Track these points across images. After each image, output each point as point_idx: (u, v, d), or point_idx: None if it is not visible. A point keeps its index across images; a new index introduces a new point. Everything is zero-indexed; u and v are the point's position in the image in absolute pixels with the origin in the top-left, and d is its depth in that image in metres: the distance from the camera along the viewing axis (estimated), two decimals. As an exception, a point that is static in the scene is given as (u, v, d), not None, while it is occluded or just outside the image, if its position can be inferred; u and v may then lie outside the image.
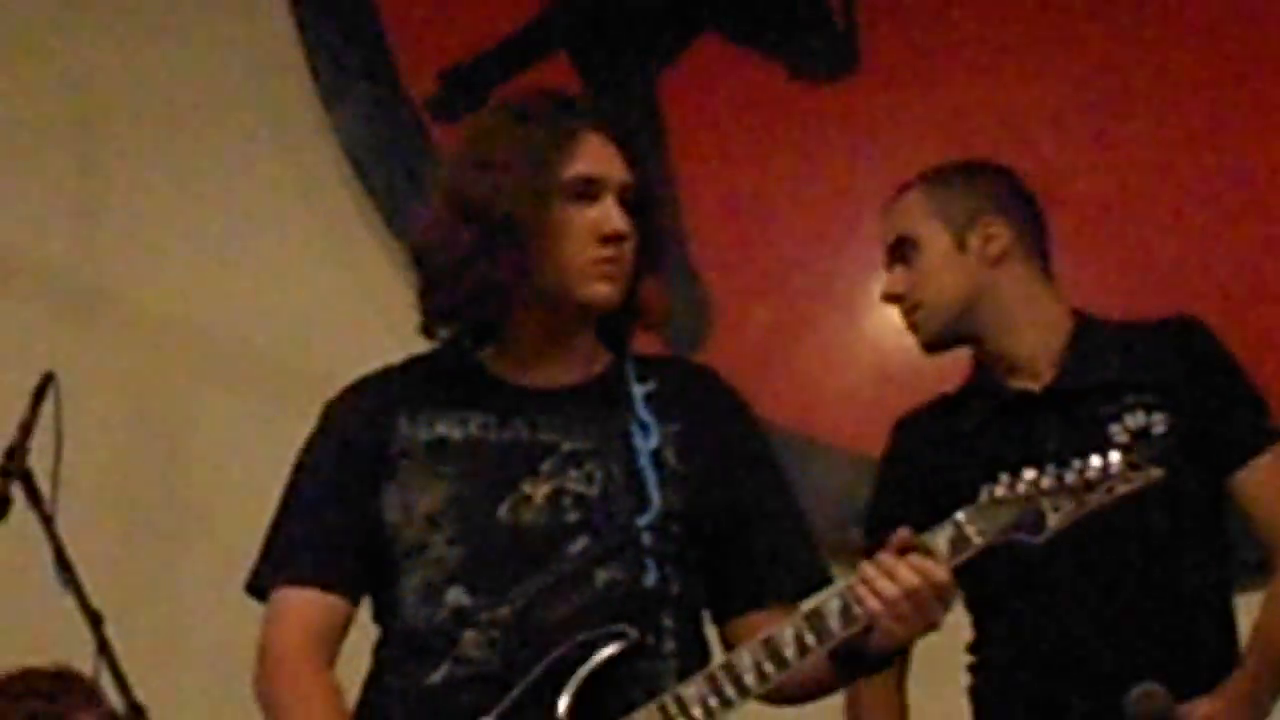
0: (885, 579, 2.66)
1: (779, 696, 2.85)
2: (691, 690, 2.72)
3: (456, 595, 2.81)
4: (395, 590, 2.88)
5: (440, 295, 2.89)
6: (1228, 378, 3.42)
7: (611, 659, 2.75)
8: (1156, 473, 2.81)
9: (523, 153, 2.88)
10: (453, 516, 2.84)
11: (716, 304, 4.89)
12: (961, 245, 3.45)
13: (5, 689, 4.28)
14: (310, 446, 3.00)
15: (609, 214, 2.87)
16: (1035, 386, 3.41)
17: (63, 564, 3.27)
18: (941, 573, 2.67)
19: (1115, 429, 3.25)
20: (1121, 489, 2.77)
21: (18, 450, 3.30)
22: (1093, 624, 3.28)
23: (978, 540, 2.72)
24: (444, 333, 2.96)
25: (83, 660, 3.31)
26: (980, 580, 3.22)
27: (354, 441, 2.94)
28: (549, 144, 2.89)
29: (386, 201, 5.01)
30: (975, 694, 3.50)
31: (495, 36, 5.09)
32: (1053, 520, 2.73)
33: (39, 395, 3.39)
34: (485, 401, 2.92)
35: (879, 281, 4.68)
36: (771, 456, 3.06)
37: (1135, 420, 3.28)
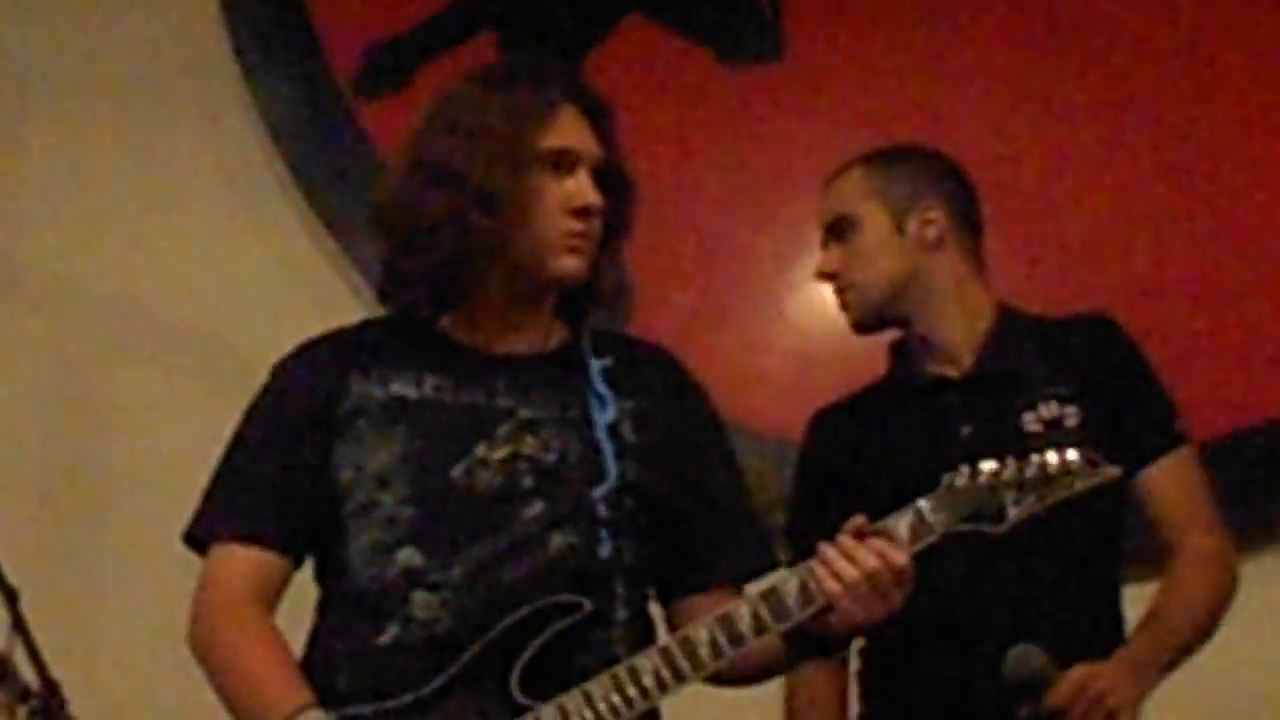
0: (845, 561, 2.67)
1: (730, 676, 2.86)
2: (646, 662, 2.72)
3: (407, 555, 2.79)
4: (343, 550, 2.85)
5: (408, 261, 2.88)
6: (1140, 378, 3.45)
7: (564, 626, 2.74)
8: (1114, 470, 2.84)
9: (500, 120, 2.87)
10: (405, 476, 2.83)
11: (637, 288, 4.85)
12: (900, 228, 3.45)
13: None
14: (258, 402, 2.98)
15: (582, 187, 2.88)
16: (954, 373, 3.43)
17: None
18: (901, 557, 2.68)
19: (1029, 418, 3.26)
20: (1080, 484, 2.80)
21: None
22: (987, 603, 3.30)
23: (938, 527, 2.74)
24: (404, 298, 2.93)
25: None
26: None
27: (304, 398, 2.92)
28: (527, 113, 2.88)
29: (309, 179, 5.01)
30: (862, 676, 3.51)
31: (421, 15, 5.09)
32: (1013, 512, 2.76)
33: None
34: (442, 364, 2.91)
35: (802, 267, 4.74)
36: (726, 441, 3.07)
37: (1049, 411, 3.29)
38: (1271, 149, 4.78)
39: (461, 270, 2.86)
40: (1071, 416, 3.31)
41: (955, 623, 3.31)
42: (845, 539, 2.69)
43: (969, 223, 3.52)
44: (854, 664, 3.53)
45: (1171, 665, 3.30)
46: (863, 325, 3.50)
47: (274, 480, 2.89)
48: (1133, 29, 4.87)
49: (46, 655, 3.21)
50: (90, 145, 5.20)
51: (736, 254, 4.92)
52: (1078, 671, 3.12)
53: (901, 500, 2.81)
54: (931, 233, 3.45)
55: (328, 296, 4.89)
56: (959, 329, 3.45)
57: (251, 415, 2.96)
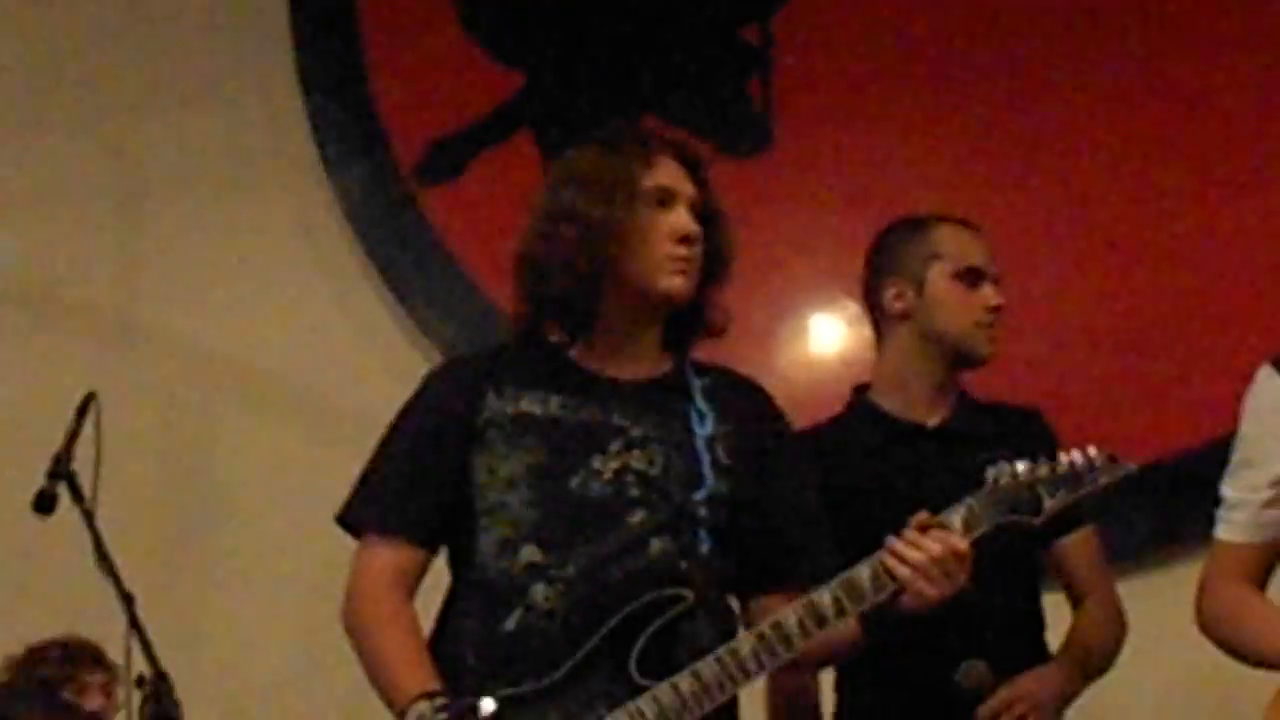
0: (913, 549, 2.68)
1: (814, 658, 2.93)
2: (744, 645, 2.69)
3: (530, 551, 2.78)
4: (473, 543, 2.85)
5: (548, 290, 2.88)
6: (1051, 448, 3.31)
7: (669, 616, 2.73)
8: (1132, 467, 2.87)
9: (611, 168, 2.90)
10: (531, 482, 2.82)
11: None
12: None
13: (23, 661, 4.28)
14: (408, 409, 2.98)
15: (682, 218, 2.89)
16: (929, 422, 3.38)
17: (100, 553, 3.22)
18: (962, 542, 2.70)
19: (990, 471, 3.10)
20: (1104, 479, 2.83)
21: (63, 456, 3.24)
22: (944, 623, 3.09)
23: (986, 520, 2.76)
24: (544, 323, 2.94)
25: (118, 636, 3.25)
26: None
27: (447, 409, 2.91)
28: (633, 161, 2.91)
29: (379, 253, 5.01)
30: (838, 680, 3.44)
31: (472, 117, 5.09)
32: (1049, 504, 2.80)
33: (82, 410, 3.33)
34: (565, 385, 2.89)
35: (785, 319, 4.84)
36: (802, 461, 3.06)
37: (1001, 469, 3.13)
38: (1154, 229, 4.71)
39: (591, 293, 2.87)
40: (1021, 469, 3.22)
41: (918, 638, 3.10)
42: (911, 532, 2.70)
43: None
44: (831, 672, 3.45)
45: (1084, 684, 3.32)
46: (982, 361, 3.45)
47: (417, 480, 2.89)
48: (1061, 137, 4.82)
49: (158, 652, 3.23)
50: (197, 224, 5.20)
51: (736, 304, 4.84)
52: (1005, 690, 3.16)
53: (884, 507, 2.86)
54: None
55: (393, 349, 4.89)
56: (948, 393, 3.45)
57: (402, 418, 2.96)
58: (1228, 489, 2.93)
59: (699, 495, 2.82)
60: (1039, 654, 3.40)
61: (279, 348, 4.99)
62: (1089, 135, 4.81)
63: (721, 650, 2.69)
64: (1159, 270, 4.70)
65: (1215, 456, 4.41)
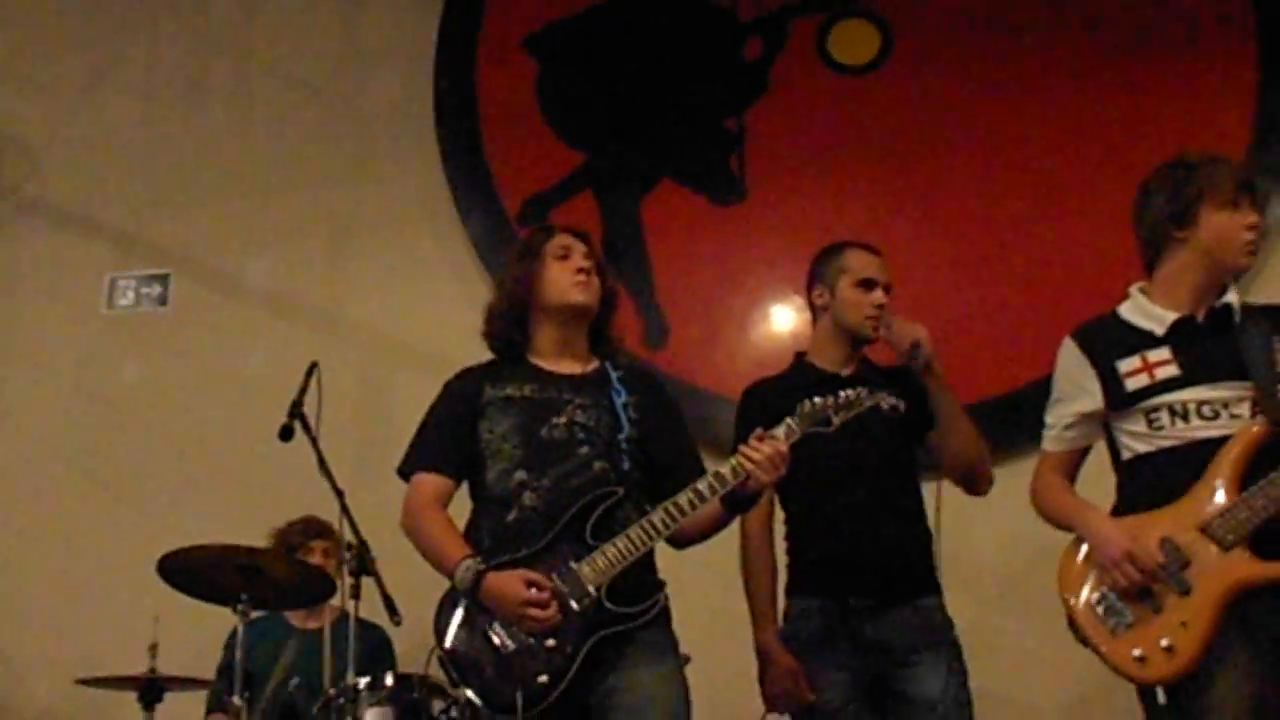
0: (755, 451, 2.77)
1: (690, 535, 2.95)
2: (655, 515, 2.81)
3: (520, 474, 2.92)
4: (483, 474, 2.98)
5: (495, 327, 3.09)
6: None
7: (608, 504, 2.85)
8: (883, 395, 2.97)
9: (528, 245, 3.10)
10: (517, 433, 2.96)
11: (671, 323, 4.88)
12: None
13: (279, 532, 4.28)
14: (440, 398, 3.11)
15: (578, 260, 3.04)
16: (842, 373, 3.35)
17: (322, 465, 3.31)
18: (783, 445, 2.79)
19: (883, 405, 3.17)
20: (868, 402, 2.90)
21: (298, 403, 3.31)
22: (857, 503, 3.24)
23: (798, 430, 2.83)
24: (496, 341, 3.10)
25: (333, 518, 3.35)
26: (793, 483, 3.26)
27: (462, 396, 3.06)
28: (541, 237, 3.10)
29: (494, 271, 4.76)
30: (789, 554, 3.37)
31: (550, 181, 5.09)
32: (836, 420, 2.85)
33: (309, 374, 3.40)
34: (531, 377, 3.03)
35: (759, 317, 4.82)
36: (681, 415, 3.14)
37: (889, 402, 3.24)
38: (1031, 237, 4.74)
39: (517, 320, 3.04)
40: (901, 406, 3.28)
41: (838, 500, 3.25)
42: (753, 440, 2.80)
43: None
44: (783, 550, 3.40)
45: (950, 409, 3.24)
46: (877, 339, 3.36)
47: (444, 438, 3.03)
48: (940, 194, 4.82)
49: (361, 528, 3.30)
50: (378, 253, 5.21)
51: (722, 306, 4.88)
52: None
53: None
54: None
55: None
56: (856, 354, 3.43)
57: (434, 404, 3.12)
58: (1047, 416, 2.98)
59: (621, 435, 2.94)
60: (921, 510, 3.33)
61: (430, 330, 4.95)
62: (958, 186, 4.81)
63: (642, 520, 2.81)
64: (1000, 275, 4.71)
65: (1030, 393, 4.54)
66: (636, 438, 2.96)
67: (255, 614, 3.77)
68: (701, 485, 2.81)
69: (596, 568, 2.79)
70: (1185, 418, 2.72)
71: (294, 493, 3.83)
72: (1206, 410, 2.71)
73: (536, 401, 2.97)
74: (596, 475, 2.90)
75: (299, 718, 3.59)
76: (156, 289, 5.35)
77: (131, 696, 3.83)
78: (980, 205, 4.80)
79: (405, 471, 3.04)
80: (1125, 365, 2.81)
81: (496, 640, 2.77)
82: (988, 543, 4.25)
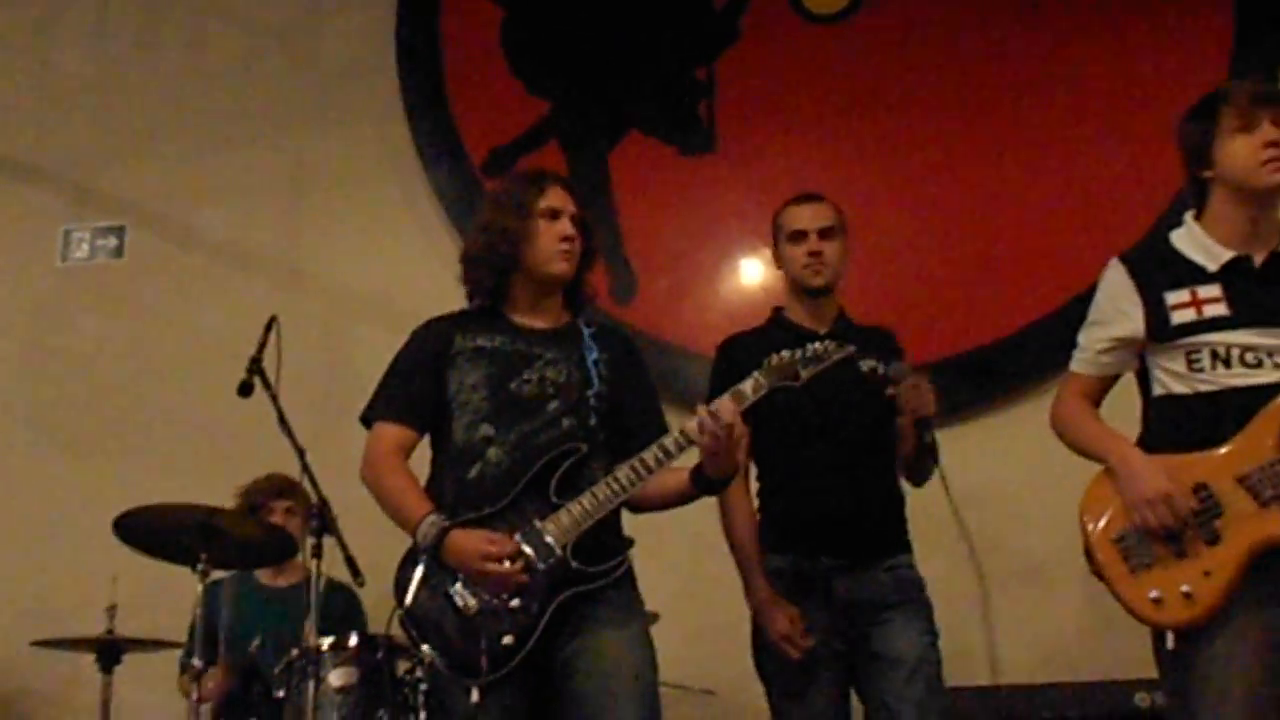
0: (707, 420, 2.69)
1: (649, 502, 2.90)
2: (620, 472, 2.77)
3: (486, 429, 2.85)
4: (449, 426, 2.89)
5: (474, 274, 2.97)
6: (901, 357, 3.32)
7: (573, 461, 2.80)
8: (850, 347, 2.90)
9: (516, 195, 2.97)
10: (486, 386, 2.88)
11: (640, 277, 4.85)
12: (844, 247, 3.39)
13: (244, 490, 4.24)
14: (407, 345, 3.02)
15: (565, 227, 2.94)
16: (820, 329, 3.31)
17: (282, 422, 3.27)
18: (726, 416, 2.68)
19: (862, 365, 3.21)
20: (836, 356, 2.84)
21: (257, 358, 3.27)
22: (828, 461, 3.22)
23: (765, 384, 2.78)
24: (474, 295, 3.00)
25: (294, 474, 3.34)
26: (765, 439, 3.24)
27: (429, 346, 2.97)
28: (530, 189, 2.97)
29: (460, 221, 4.94)
30: (760, 510, 3.34)
31: (516, 130, 5.05)
32: (804, 374, 2.81)
33: (268, 328, 3.36)
34: (503, 330, 2.95)
35: (728, 270, 4.78)
36: (648, 373, 3.09)
37: (869, 364, 3.24)
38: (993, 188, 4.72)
39: (499, 276, 2.94)
40: (880, 368, 3.24)
41: (809, 458, 3.23)
42: (702, 410, 2.72)
43: None
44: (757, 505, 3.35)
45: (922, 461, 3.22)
46: (822, 289, 3.34)
47: (409, 388, 2.94)
48: (909, 140, 4.81)
49: (322, 486, 3.25)
50: (339, 203, 5.17)
51: (691, 259, 4.86)
52: (917, 375, 3.13)
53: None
54: (846, 257, 3.40)
55: None
56: (829, 309, 3.38)
57: (401, 351, 3.01)
58: (1081, 338, 2.87)
59: (590, 392, 2.89)
60: (894, 472, 3.31)
61: (394, 283, 4.95)
62: (928, 139, 4.80)
63: (607, 477, 2.77)
64: (971, 228, 4.70)
65: (999, 351, 4.58)
66: (605, 395, 2.91)
67: (219, 574, 3.77)
68: (668, 441, 2.77)
69: (561, 525, 2.74)
70: (1227, 363, 2.64)
71: (255, 449, 3.75)
72: (1250, 357, 2.63)
73: (507, 354, 2.91)
74: (564, 432, 2.85)
75: (262, 678, 3.54)
76: (112, 241, 5.29)
77: (90, 658, 3.79)
78: (952, 157, 4.78)
79: (367, 419, 2.97)
80: (1173, 297, 2.71)
81: (459, 601, 2.72)
82: (960, 501, 4.15)
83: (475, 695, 2.65)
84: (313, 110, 5.25)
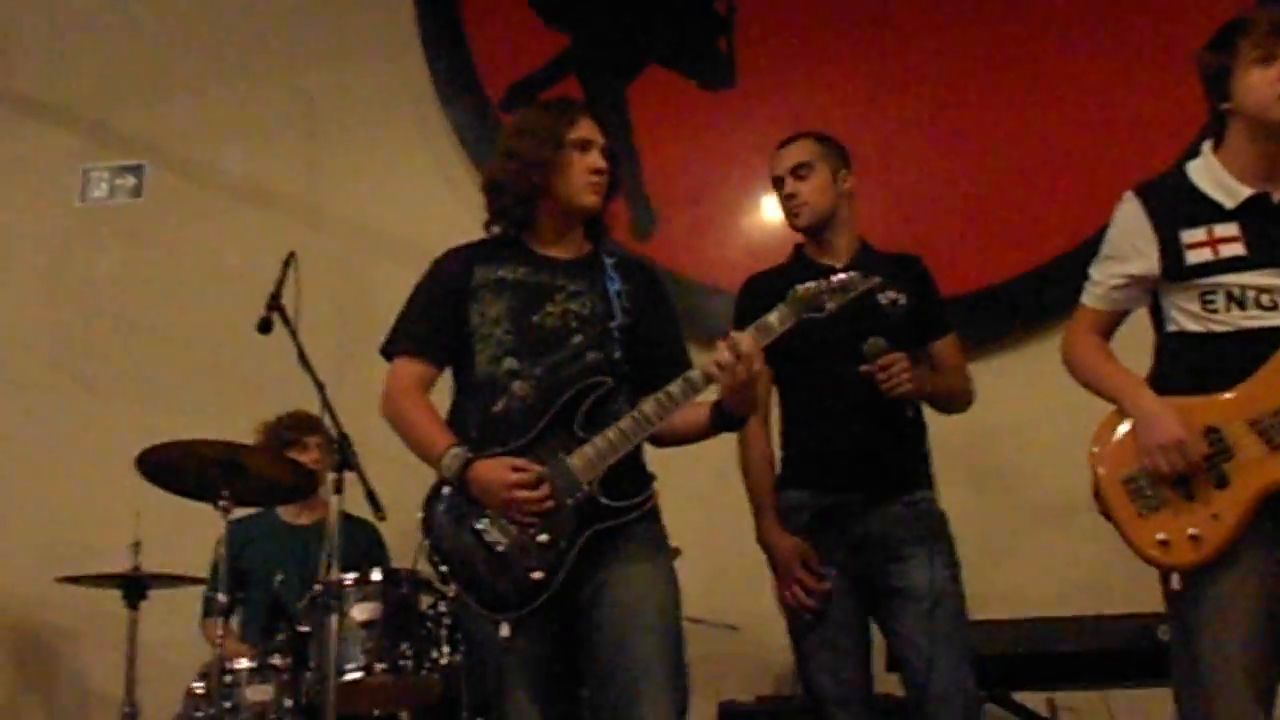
0: (723, 355, 2.63)
1: (672, 436, 2.84)
2: (645, 405, 2.71)
3: (510, 362, 2.79)
4: (471, 359, 2.84)
5: (500, 202, 2.91)
6: (933, 292, 3.32)
7: (598, 395, 2.76)
8: (875, 278, 2.80)
9: (547, 123, 2.89)
10: (508, 319, 2.82)
11: (660, 213, 4.82)
12: (834, 179, 3.33)
13: (268, 427, 4.32)
14: (426, 277, 2.96)
15: (596, 159, 2.89)
16: (837, 264, 3.25)
17: (302, 358, 3.28)
18: (745, 348, 2.62)
19: (881, 297, 3.17)
20: (861, 287, 2.75)
21: (276, 294, 3.28)
22: (845, 395, 3.18)
23: (790, 317, 2.70)
24: (496, 227, 2.95)
25: (314, 409, 3.34)
26: (786, 374, 3.22)
27: (448, 277, 2.91)
28: (561, 118, 2.90)
29: (478, 158, 4.94)
30: (782, 446, 3.31)
31: (534, 65, 5.02)
32: (829, 305, 2.72)
33: (286, 265, 3.35)
34: (525, 260, 2.89)
35: (750, 206, 4.74)
36: (672, 305, 3.03)
37: (889, 295, 3.20)
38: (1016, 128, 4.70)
39: (527, 206, 2.88)
40: (902, 299, 3.21)
41: (827, 392, 3.19)
42: (721, 344, 2.66)
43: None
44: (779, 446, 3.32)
45: (935, 392, 3.23)
46: (804, 228, 3.34)
47: (430, 320, 2.89)
48: (933, 72, 4.78)
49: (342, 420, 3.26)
50: (357, 141, 5.16)
51: (713, 196, 4.83)
52: (895, 354, 3.07)
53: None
54: (848, 187, 3.35)
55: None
56: (844, 243, 3.33)
57: (421, 283, 2.95)
58: (1094, 271, 2.81)
59: (613, 324, 2.83)
60: (918, 407, 3.27)
61: (412, 220, 4.94)
62: (949, 72, 4.76)
63: (632, 412, 2.72)
64: (993, 162, 4.66)
65: (1018, 285, 4.57)
66: (629, 326, 2.86)
67: (241, 511, 3.79)
68: (693, 375, 2.71)
69: (587, 459, 2.70)
70: (1242, 304, 2.59)
71: (275, 386, 3.78)
72: (1265, 299, 2.58)
73: (529, 285, 2.86)
74: (589, 365, 2.80)
75: (287, 614, 3.58)
76: (130, 180, 5.29)
77: (116, 594, 3.81)
78: (975, 90, 4.75)
79: (387, 352, 2.93)
80: (1189, 236, 2.64)
81: (488, 537, 2.69)
82: (983, 437, 4.21)
83: (505, 630, 2.64)
84: (330, 45, 5.23)
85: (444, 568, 2.74)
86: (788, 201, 3.35)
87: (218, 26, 5.32)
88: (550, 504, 2.68)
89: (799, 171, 3.34)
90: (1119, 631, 3.50)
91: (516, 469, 2.67)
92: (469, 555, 2.70)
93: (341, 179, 5.13)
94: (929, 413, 3.30)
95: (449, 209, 4.90)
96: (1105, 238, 2.79)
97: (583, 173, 2.88)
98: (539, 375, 2.79)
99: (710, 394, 2.78)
